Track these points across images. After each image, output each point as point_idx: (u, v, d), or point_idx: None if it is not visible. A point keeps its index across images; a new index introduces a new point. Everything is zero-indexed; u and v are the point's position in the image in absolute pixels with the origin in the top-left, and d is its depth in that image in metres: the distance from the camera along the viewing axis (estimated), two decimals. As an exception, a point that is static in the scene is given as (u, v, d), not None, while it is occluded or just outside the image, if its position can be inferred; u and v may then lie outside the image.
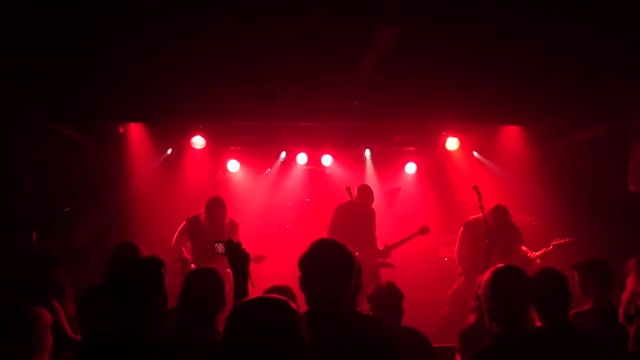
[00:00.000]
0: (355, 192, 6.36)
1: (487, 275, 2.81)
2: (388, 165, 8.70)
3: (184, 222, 6.23)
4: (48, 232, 6.21)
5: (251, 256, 7.02)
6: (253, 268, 2.75)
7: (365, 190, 6.40)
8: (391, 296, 3.82)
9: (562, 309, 2.96)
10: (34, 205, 5.99)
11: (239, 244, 2.62)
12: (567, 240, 6.10)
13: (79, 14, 4.49)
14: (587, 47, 5.19)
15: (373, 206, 6.53)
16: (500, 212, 6.00)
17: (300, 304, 3.20)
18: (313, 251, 2.42)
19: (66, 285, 4.13)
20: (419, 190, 8.74)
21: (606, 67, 5.55)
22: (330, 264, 2.37)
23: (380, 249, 6.49)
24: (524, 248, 6.25)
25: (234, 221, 6.22)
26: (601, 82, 5.82)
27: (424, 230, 6.62)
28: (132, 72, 5.70)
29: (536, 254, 6.15)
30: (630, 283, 3.88)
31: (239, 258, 2.61)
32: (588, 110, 6.31)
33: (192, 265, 5.88)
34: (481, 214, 5.75)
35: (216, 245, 2.78)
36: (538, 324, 2.96)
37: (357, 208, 6.30)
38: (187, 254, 6.15)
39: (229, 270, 2.76)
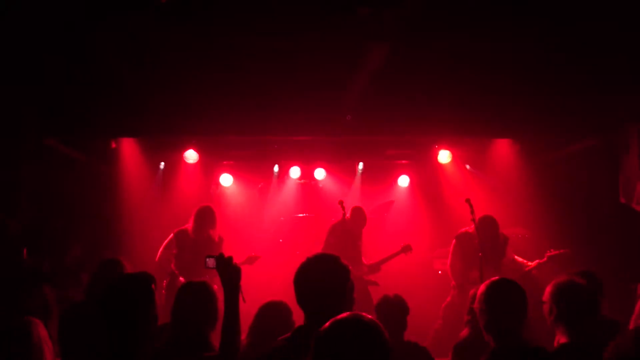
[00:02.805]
0: (348, 213, 6.38)
1: (481, 289, 2.78)
2: (381, 178, 8.71)
3: (171, 235, 6.15)
4: (40, 249, 6.14)
5: (244, 258, 6.86)
6: (246, 282, 2.73)
7: (359, 212, 6.46)
8: (400, 307, 3.82)
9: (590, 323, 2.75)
10: (26, 222, 5.93)
11: (230, 259, 2.60)
12: (561, 251, 6.08)
13: (76, 34, 4.50)
14: (578, 60, 5.24)
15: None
16: (487, 223, 5.90)
17: (297, 320, 3.19)
18: (309, 265, 2.42)
19: (53, 304, 4.02)
20: (412, 203, 8.74)
21: (597, 81, 5.60)
22: (326, 277, 2.38)
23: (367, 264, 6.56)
24: (518, 259, 6.23)
25: (220, 236, 6.17)
26: (593, 95, 5.86)
27: (406, 249, 6.64)
28: (124, 87, 5.70)
29: (531, 265, 6.13)
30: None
31: (230, 273, 2.59)
32: (580, 123, 6.35)
33: (181, 278, 5.82)
34: (473, 226, 5.74)
35: (207, 260, 2.74)
36: (562, 340, 2.76)
37: (350, 226, 6.34)
38: (174, 268, 6.07)
39: (216, 286, 2.72)
